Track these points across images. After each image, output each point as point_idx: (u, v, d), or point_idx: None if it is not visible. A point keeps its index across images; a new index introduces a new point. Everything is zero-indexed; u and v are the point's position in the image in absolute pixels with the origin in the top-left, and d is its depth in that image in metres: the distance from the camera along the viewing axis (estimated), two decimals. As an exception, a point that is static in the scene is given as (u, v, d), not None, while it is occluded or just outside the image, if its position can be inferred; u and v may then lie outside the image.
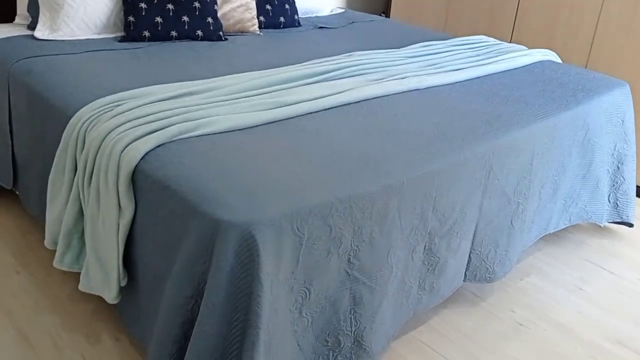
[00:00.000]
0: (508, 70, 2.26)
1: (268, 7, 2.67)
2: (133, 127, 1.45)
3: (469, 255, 1.75)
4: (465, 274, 1.77)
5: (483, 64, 2.24)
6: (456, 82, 2.06)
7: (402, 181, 1.39)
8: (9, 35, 2.18)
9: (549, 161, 1.89)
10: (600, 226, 2.45)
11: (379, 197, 1.34)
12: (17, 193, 2.07)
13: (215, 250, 1.15)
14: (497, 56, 2.36)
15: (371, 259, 1.39)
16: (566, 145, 1.95)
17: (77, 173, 1.52)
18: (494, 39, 2.67)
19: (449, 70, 2.14)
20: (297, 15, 2.79)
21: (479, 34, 3.26)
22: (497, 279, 1.85)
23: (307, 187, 1.27)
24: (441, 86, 2.01)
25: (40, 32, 2.17)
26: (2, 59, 1.97)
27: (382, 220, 1.37)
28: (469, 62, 2.26)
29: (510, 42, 2.95)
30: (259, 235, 1.14)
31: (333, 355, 1.42)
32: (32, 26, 2.25)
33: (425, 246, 1.56)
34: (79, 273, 1.78)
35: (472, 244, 1.74)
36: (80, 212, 1.54)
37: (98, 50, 2.09)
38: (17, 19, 2.39)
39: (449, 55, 2.32)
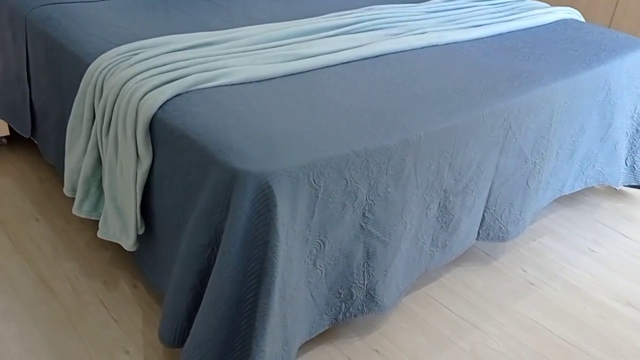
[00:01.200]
0: (530, 27, 2.21)
1: (286, -42, 2.61)
2: (151, 76, 1.45)
3: (483, 214, 1.75)
4: (478, 232, 1.78)
5: (505, 21, 2.19)
6: (477, 39, 2.02)
7: (419, 136, 1.38)
8: (26, -19, 2.16)
9: (568, 121, 1.87)
10: (615, 189, 2.43)
11: (396, 151, 1.34)
12: (36, 142, 2.09)
13: (232, 200, 1.16)
14: (519, 13, 2.31)
15: (385, 214, 1.40)
16: (586, 106, 1.91)
17: (95, 121, 1.53)
18: (518, -4, 2.60)
19: (470, 27, 2.10)
20: (316, -33, 2.72)
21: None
22: (510, 239, 1.86)
23: (324, 139, 1.26)
24: (461, 42, 1.97)
25: (56, -21, 2.14)
26: (19, 6, 1.96)
27: (398, 175, 1.37)
28: (491, 19, 2.21)
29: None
30: (276, 186, 1.14)
31: (345, 307, 1.44)
32: (48, -27, 2.22)
33: (439, 203, 1.57)
34: (97, 221, 1.82)
35: (487, 202, 1.74)
36: (99, 160, 1.56)
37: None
38: (33, -34, 2.36)
39: (471, 11, 2.27)
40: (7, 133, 2.30)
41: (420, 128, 1.38)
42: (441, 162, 1.48)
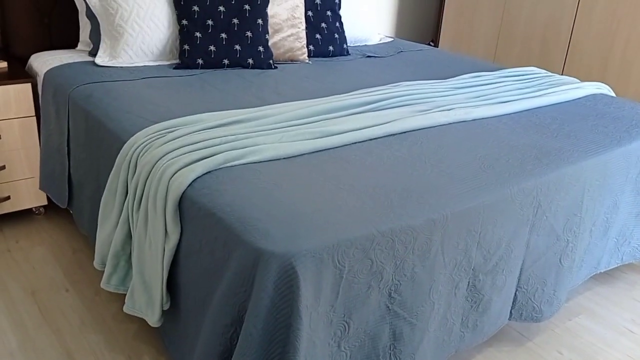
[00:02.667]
0: (559, 103, 2.22)
1: (318, 36, 2.72)
2: (182, 154, 1.49)
3: (515, 293, 1.70)
4: (510, 312, 1.72)
5: (533, 97, 2.21)
6: (504, 115, 2.03)
7: (445, 215, 1.37)
8: (72, 61, 2.30)
9: (601, 198, 1.83)
10: (656, 267, 2.34)
11: (422, 231, 1.33)
12: (71, 212, 2.15)
13: (256, 280, 1.16)
14: (547, 89, 2.32)
15: (412, 294, 1.37)
16: (619, 183, 1.88)
17: (127, 196, 1.57)
18: (545, 71, 2.63)
19: (497, 102, 2.12)
20: (346, 44, 2.82)
21: (529, 65, 3.22)
22: (544, 319, 1.79)
23: (349, 219, 1.27)
24: (489, 118, 1.98)
25: (100, 59, 2.27)
26: (64, 84, 2.07)
27: (425, 255, 1.35)
28: (519, 94, 2.23)
29: (562, 74, 2.89)
30: (300, 267, 1.14)
31: (371, 390, 1.40)
32: (93, 52, 2.36)
33: (469, 282, 1.53)
34: (124, 294, 1.83)
35: (519, 281, 1.70)
36: (129, 235, 1.59)
37: (154, 77, 2.17)
38: (80, 45, 2.51)
39: (498, 87, 2.30)
40: (45, 202, 2.38)
41: (447, 207, 1.38)
42: (469, 241, 1.46)
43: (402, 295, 1.35)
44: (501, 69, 2.62)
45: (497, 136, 1.82)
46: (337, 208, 1.30)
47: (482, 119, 1.97)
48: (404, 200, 1.37)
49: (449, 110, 1.97)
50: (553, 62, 3.18)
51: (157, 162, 1.49)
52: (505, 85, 2.33)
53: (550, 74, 2.57)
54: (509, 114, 2.05)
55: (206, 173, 1.43)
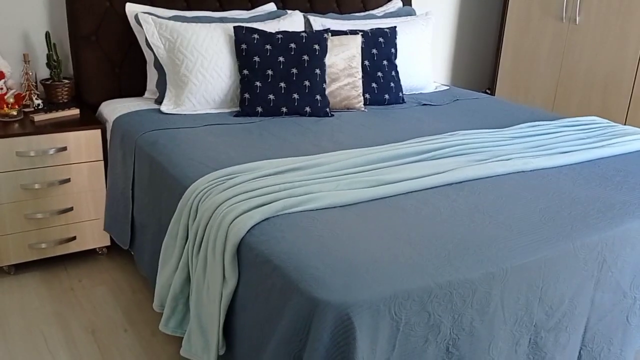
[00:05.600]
0: (622, 154, 2.15)
1: (374, 85, 2.76)
2: (241, 201, 1.53)
3: (579, 352, 1.63)
4: (574, 372, 1.64)
5: (594, 147, 2.15)
6: (564, 165, 1.99)
7: (505, 269, 1.34)
8: (139, 108, 2.42)
9: (671, 254, 1.74)
10: None
11: (481, 284, 1.30)
12: (132, 253, 2.23)
13: (312, 330, 1.16)
14: (610, 139, 2.26)
15: (471, 350, 1.33)
16: (691, 238, 1.79)
17: (187, 241, 1.62)
18: (607, 120, 2.57)
19: (557, 153, 2.07)
20: (402, 92, 2.85)
21: (590, 115, 3.15)
22: (610, 381, 1.69)
23: (406, 270, 1.26)
24: (548, 169, 1.94)
25: (165, 107, 2.38)
26: (131, 131, 2.18)
27: (484, 309, 1.32)
28: (579, 145, 2.17)
29: (624, 124, 2.81)
30: (356, 318, 1.14)
31: None
32: (159, 100, 2.48)
33: (530, 339, 1.48)
34: (181, 337, 1.86)
35: (583, 339, 1.62)
36: (188, 279, 1.63)
37: (215, 125, 2.26)
38: (147, 94, 2.64)
39: (558, 137, 2.26)
40: (108, 243, 2.47)
41: (507, 261, 1.35)
42: (530, 296, 1.42)
43: (460, 350, 1.31)
44: (560, 119, 2.58)
45: (557, 188, 1.78)
46: (393, 258, 1.30)
47: (541, 169, 1.93)
48: (462, 252, 1.35)
49: (506, 160, 1.95)
50: (615, 111, 3.10)
51: (217, 208, 1.54)
52: (564, 135, 2.28)
53: (612, 123, 2.51)
54: (570, 164, 2.00)
55: (264, 220, 1.46)
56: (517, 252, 1.38)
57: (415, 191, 1.70)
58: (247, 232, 1.42)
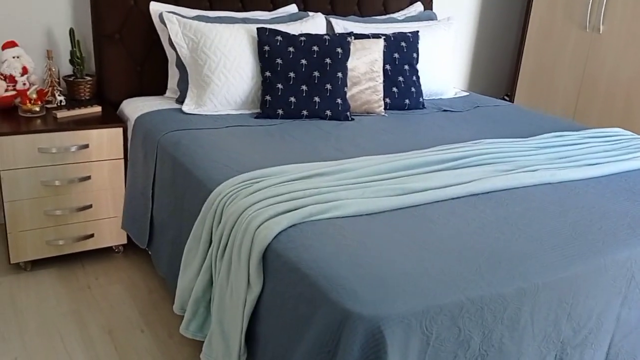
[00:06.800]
0: (650, 168, 2.12)
1: (394, 89, 2.74)
2: (268, 206, 1.51)
3: (604, 369, 1.60)
4: (598, 389, 1.62)
5: (621, 160, 2.12)
6: (592, 178, 1.96)
7: (537, 285, 1.32)
8: (160, 107, 2.41)
9: (700, 272, 1.71)
10: None
11: (512, 300, 1.28)
12: (150, 253, 2.22)
13: (341, 342, 1.14)
14: (635, 152, 2.23)
15: (498, 365, 1.31)
16: None
17: (211, 245, 1.61)
18: (631, 133, 2.53)
19: (584, 165, 2.05)
20: (422, 97, 2.83)
21: (612, 125, 3.12)
22: (634, 399, 1.67)
23: (437, 283, 1.24)
24: (575, 181, 1.92)
25: (187, 107, 2.37)
26: (153, 130, 2.17)
27: (514, 326, 1.30)
28: (605, 157, 2.15)
29: (649, 135, 2.78)
30: (388, 332, 1.12)
31: None
32: (180, 100, 2.47)
33: (556, 355, 1.45)
34: (197, 340, 1.85)
35: (607, 356, 1.60)
36: (210, 283, 1.61)
37: (237, 126, 2.24)
38: (168, 92, 2.63)
39: (583, 148, 2.23)
40: (125, 242, 2.46)
41: (538, 276, 1.33)
42: (559, 312, 1.39)
43: (488, 366, 1.29)
44: (584, 129, 2.55)
45: (586, 201, 1.76)
46: (424, 271, 1.28)
47: (569, 181, 1.91)
48: (493, 266, 1.33)
49: (533, 171, 1.92)
50: (638, 121, 3.06)
51: (243, 212, 1.52)
52: (590, 147, 2.25)
53: (637, 136, 2.48)
54: (597, 177, 1.98)
55: (291, 226, 1.44)
56: (549, 268, 1.36)
57: (441, 201, 1.68)
58: (274, 238, 1.41)
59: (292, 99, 2.42)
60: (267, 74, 2.42)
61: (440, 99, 3.08)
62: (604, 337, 1.56)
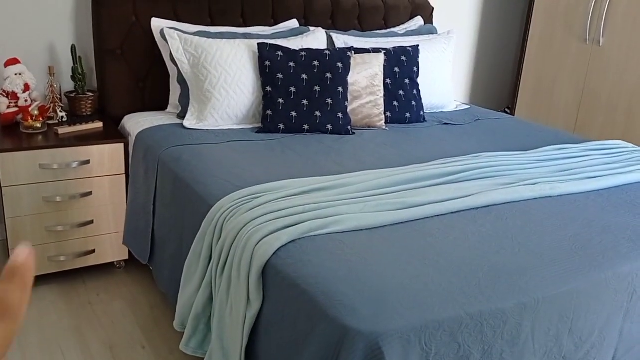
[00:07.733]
0: (651, 180, 2.11)
1: (395, 103, 2.75)
2: (268, 221, 1.52)
3: (607, 385, 1.59)
4: (601, 404, 1.60)
5: (621, 173, 2.12)
6: (592, 191, 1.96)
7: (537, 300, 1.31)
8: (162, 123, 2.42)
9: (703, 286, 1.70)
10: None
11: (512, 315, 1.27)
12: (151, 268, 2.22)
13: (340, 357, 1.14)
14: (636, 164, 2.22)
15: (499, 381, 1.30)
16: None
17: (211, 261, 1.61)
18: (632, 145, 2.53)
19: (584, 178, 2.04)
20: (423, 111, 2.83)
21: (614, 137, 3.11)
22: (639, 415, 1.65)
23: (437, 298, 1.23)
24: (576, 194, 1.91)
25: (188, 122, 2.38)
26: (155, 146, 2.18)
27: (514, 341, 1.29)
28: (606, 170, 2.14)
29: (650, 148, 2.77)
30: (386, 347, 1.11)
31: None
32: (182, 115, 2.48)
33: (558, 371, 1.44)
34: (201, 357, 1.84)
35: (610, 371, 1.58)
36: (210, 299, 1.61)
37: (238, 141, 2.25)
38: (169, 108, 2.65)
39: (584, 161, 2.23)
40: (126, 257, 2.46)
41: (539, 291, 1.32)
42: (561, 327, 1.38)
43: (488, 382, 1.28)
44: (585, 142, 2.55)
45: (586, 214, 1.75)
46: (423, 286, 1.27)
47: (569, 194, 1.90)
48: (493, 281, 1.33)
49: (533, 184, 1.92)
50: (639, 134, 3.06)
51: (242, 228, 1.52)
52: (591, 160, 2.25)
53: (638, 148, 2.47)
54: (597, 190, 1.97)
55: (290, 242, 1.44)
56: (549, 282, 1.35)
57: (441, 215, 1.68)
58: (274, 254, 1.41)
59: (293, 114, 2.43)
60: (268, 88, 2.43)
61: (441, 112, 3.09)
62: (607, 351, 1.54)
